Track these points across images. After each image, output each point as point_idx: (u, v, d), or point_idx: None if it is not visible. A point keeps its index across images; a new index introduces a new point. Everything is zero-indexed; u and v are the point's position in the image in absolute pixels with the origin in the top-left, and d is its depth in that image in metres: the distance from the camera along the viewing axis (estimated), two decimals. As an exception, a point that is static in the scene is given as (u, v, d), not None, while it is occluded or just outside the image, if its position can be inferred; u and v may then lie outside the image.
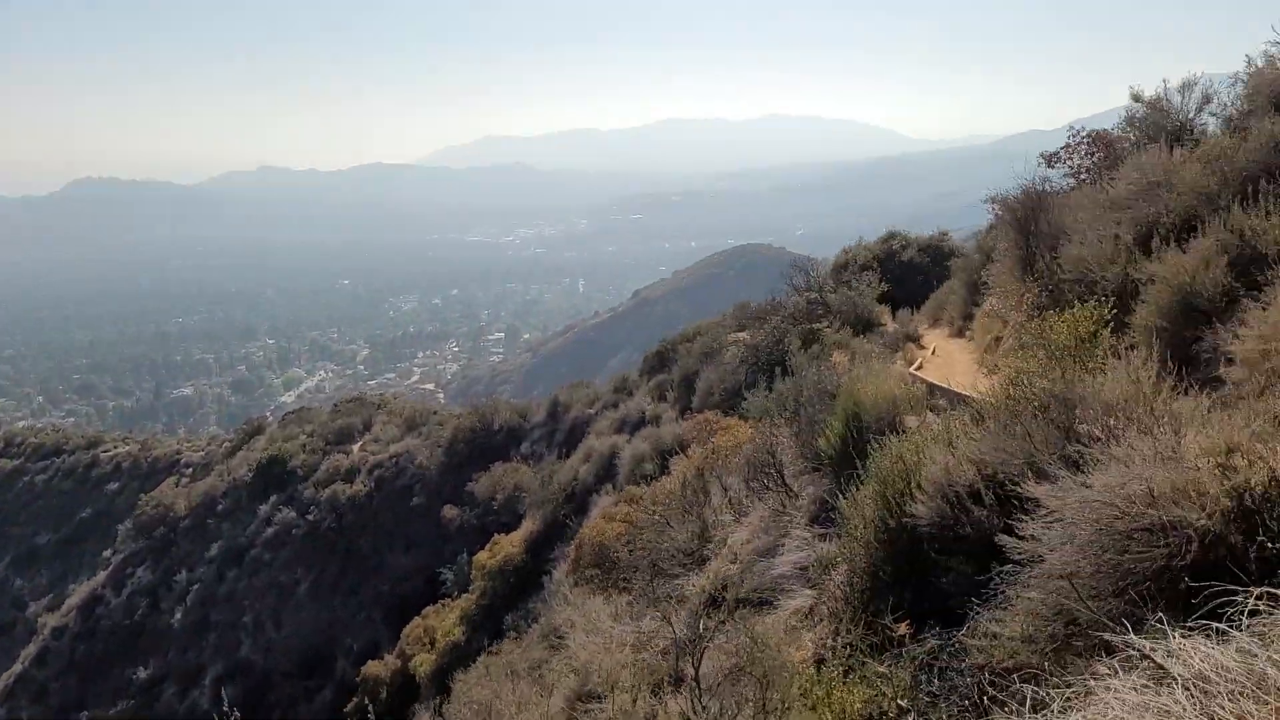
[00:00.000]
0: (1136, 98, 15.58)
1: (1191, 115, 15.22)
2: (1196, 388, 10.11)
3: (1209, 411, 7.11)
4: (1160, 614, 5.24)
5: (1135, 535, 6.12)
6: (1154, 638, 3.88)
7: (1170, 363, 11.21)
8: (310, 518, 36.37)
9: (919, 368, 17.29)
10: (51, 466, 58.28)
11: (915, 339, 22.05)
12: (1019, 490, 7.54)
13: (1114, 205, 13.94)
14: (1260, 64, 13.77)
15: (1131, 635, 4.23)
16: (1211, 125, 14.78)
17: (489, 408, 39.87)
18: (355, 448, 40.81)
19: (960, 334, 19.69)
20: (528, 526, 26.73)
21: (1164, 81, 14.69)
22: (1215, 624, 3.81)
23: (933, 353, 19.31)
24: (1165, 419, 6.96)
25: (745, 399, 22.33)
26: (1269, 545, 5.51)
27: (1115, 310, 12.77)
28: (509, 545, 25.56)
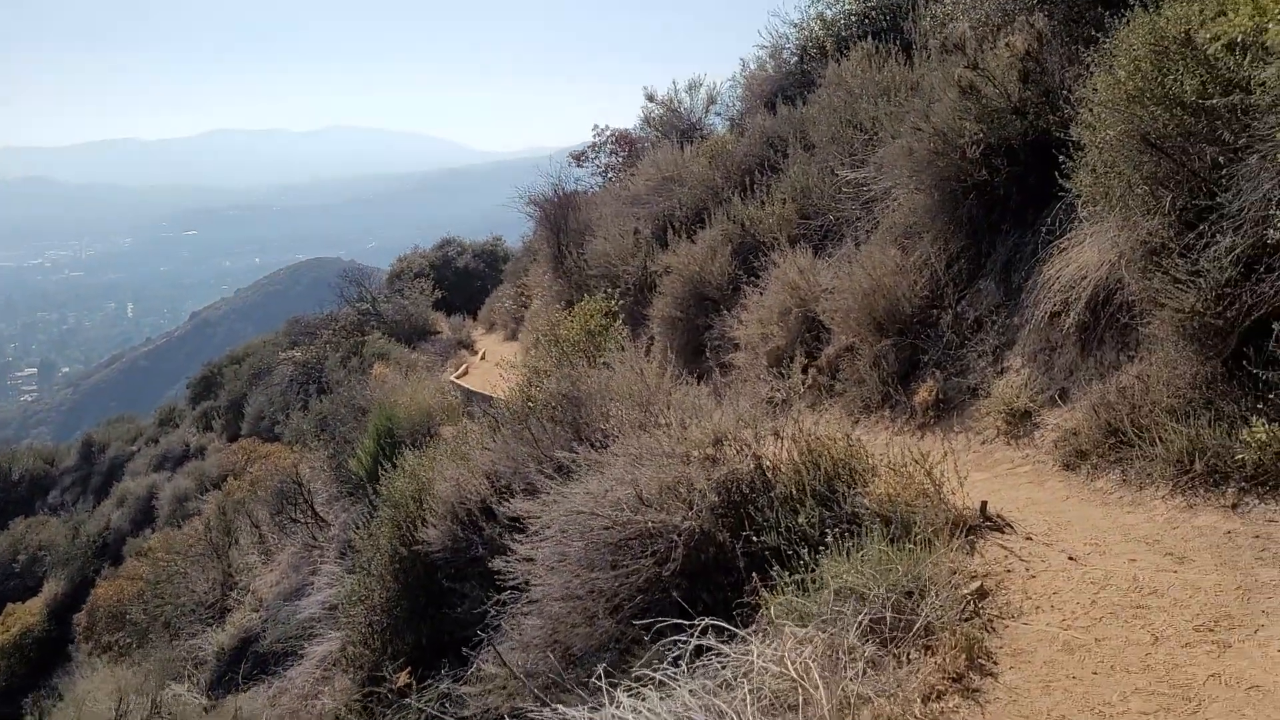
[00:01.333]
0: (650, 98, 15.83)
1: (701, 114, 15.84)
2: (708, 375, 9.88)
3: (708, 399, 6.42)
4: (627, 654, 4.34)
5: (627, 545, 5.04)
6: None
7: (683, 352, 11.10)
8: None
9: (462, 375, 15.99)
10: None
11: (468, 345, 21.02)
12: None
13: (634, 201, 13.72)
14: (752, 67, 14.52)
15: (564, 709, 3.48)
16: (718, 123, 15.50)
17: (4, 456, 35.56)
18: None
19: (514, 337, 18.94)
20: (50, 589, 23.91)
21: (674, 83, 14.88)
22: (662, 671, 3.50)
23: (482, 357, 18.30)
24: (669, 411, 6.09)
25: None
26: (754, 539, 4.76)
27: (635, 302, 12.57)
28: (27, 614, 22.65)
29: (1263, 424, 4.15)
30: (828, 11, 12.82)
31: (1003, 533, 4.42)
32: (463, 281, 29.41)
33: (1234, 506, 4.21)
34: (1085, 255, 5.69)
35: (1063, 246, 6.09)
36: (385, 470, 9.45)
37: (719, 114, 15.57)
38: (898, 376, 7.12)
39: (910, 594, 3.85)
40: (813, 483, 4.87)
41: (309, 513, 14.41)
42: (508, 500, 6.51)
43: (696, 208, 12.55)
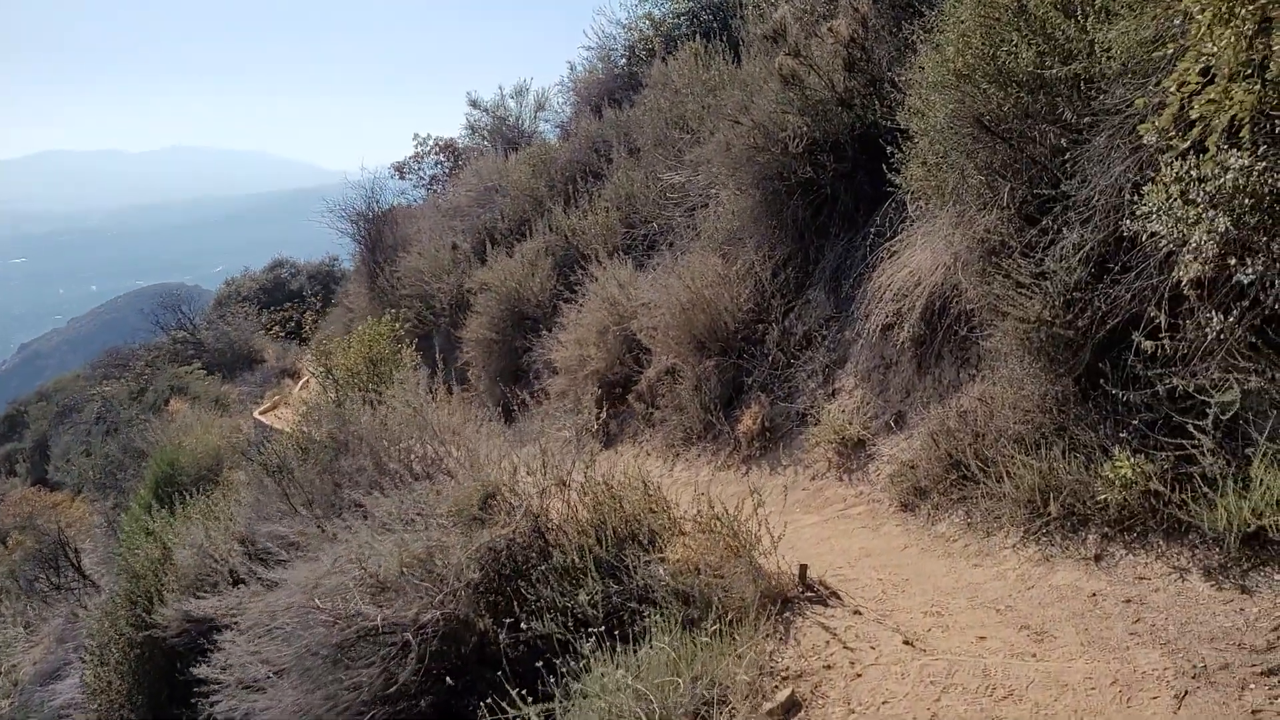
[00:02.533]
0: (475, 104, 14.62)
1: (530, 121, 14.76)
2: (525, 405, 8.73)
3: (500, 440, 5.28)
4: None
5: (352, 647, 3.81)
6: None
7: (500, 378, 9.90)
8: None
9: (269, 409, 14.16)
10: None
11: (293, 373, 19.03)
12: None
13: (454, 213, 12.46)
14: (584, 70, 13.60)
15: None
16: (549, 130, 14.46)
17: None
18: None
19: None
20: None
21: (500, 88, 13.73)
22: None
23: (301, 387, 16.43)
24: (452, 458, 4.91)
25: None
26: (525, 626, 3.64)
27: (451, 324, 11.29)
28: None
29: (1126, 456, 3.38)
30: (656, 11, 12.04)
31: (827, 605, 3.47)
32: (297, 302, 27.32)
33: (1097, 558, 3.42)
34: (918, 259, 4.92)
35: (894, 250, 5.32)
36: (123, 533, 7.78)
37: (548, 121, 14.54)
38: (721, 402, 6.20)
39: (702, 710, 2.81)
40: (598, 551, 3.79)
41: (79, 575, 12.32)
42: (258, 569, 5.15)
43: (519, 219, 11.43)
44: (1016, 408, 4.06)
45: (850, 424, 5.13)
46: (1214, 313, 3.18)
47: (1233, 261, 3.09)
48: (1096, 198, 3.70)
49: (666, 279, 6.72)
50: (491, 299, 9.39)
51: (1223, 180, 2.98)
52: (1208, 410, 3.20)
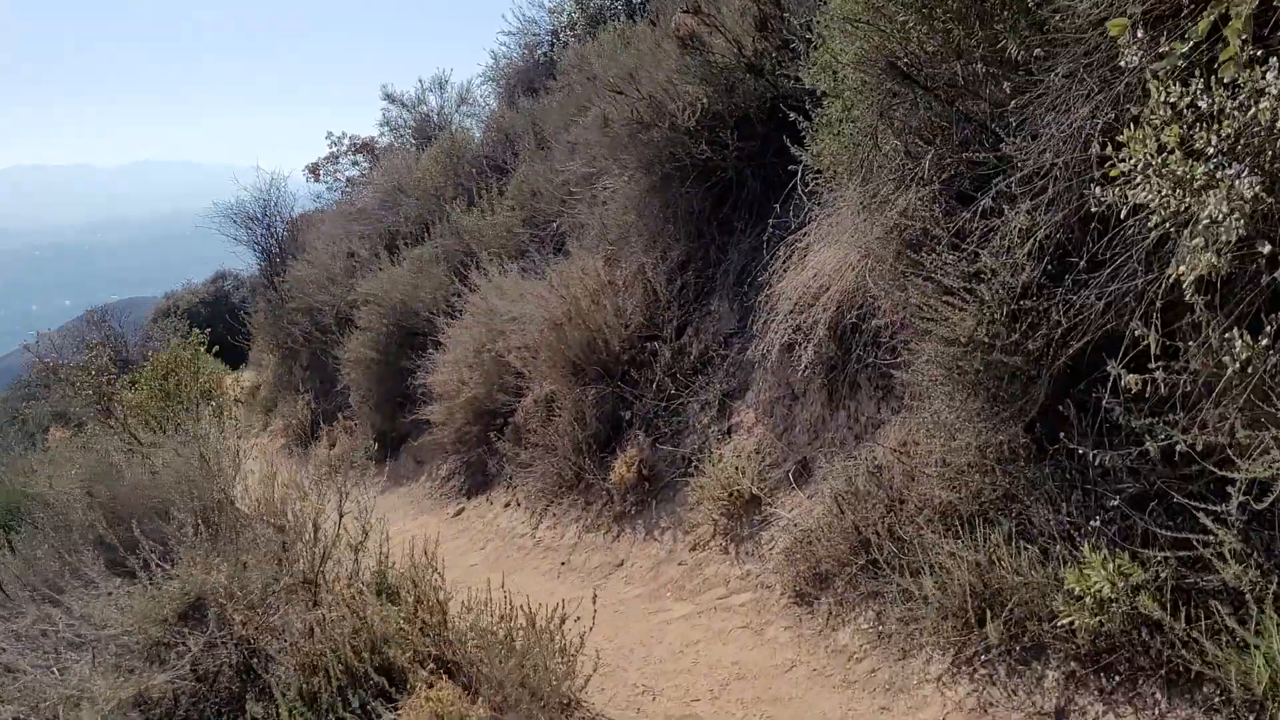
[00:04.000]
0: (390, 98, 13.34)
1: (452, 115, 13.50)
2: (405, 440, 7.46)
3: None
4: None
5: None
6: None
7: (382, 406, 8.60)
8: None
9: None
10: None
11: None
12: None
13: (357, 216, 11.13)
14: (503, 60, 12.37)
15: None
16: (473, 125, 13.20)
17: None
18: None
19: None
20: None
21: (419, 80, 12.34)
22: None
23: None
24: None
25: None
26: None
27: (333, 343, 9.98)
28: None
29: (1100, 557, 2.16)
30: (582, -12, 10.82)
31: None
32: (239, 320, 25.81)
33: (1058, 714, 2.19)
34: (821, 257, 3.70)
35: (800, 246, 4.09)
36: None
37: (474, 116, 13.27)
38: (597, 442, 4.95)
39: None
40: (326, 695, 2.52)
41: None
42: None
43: (423, 221, 10.16)
44: (946, 465, 2.84)
45: (743, 475, 3.89)
46: (1235, 330, 1.97)
47: (1265, 249, 1.89)
48: (1052, 159, 2.48)
49: (537, 288, 5.46)
50: (374, 313, 8.09)
51: (1254, 110, 1.78)
52: (1229, 486, 1.99)
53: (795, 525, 3.51)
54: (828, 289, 3.65)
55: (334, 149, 14.20)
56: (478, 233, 8.54)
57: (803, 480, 3.72)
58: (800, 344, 3.82)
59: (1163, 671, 2.08)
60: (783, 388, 4.11)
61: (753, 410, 4.28)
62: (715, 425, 4.40)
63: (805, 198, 4.34)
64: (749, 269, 4.92)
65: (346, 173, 14.43)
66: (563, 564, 4.48)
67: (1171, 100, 1.87)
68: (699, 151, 4.98)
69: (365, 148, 14.29)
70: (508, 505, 5.51)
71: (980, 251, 2.70)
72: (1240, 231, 1.84)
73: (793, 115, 4.07)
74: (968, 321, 2.63)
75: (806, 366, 3.73)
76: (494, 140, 10.37)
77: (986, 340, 2.61)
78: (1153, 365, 2.03)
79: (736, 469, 3.94)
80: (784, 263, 4.12)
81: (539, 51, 11.39)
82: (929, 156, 3.02)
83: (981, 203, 2.80)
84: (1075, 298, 2.40)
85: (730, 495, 3.88)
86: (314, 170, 14.23)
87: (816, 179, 4.04)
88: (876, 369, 3.55)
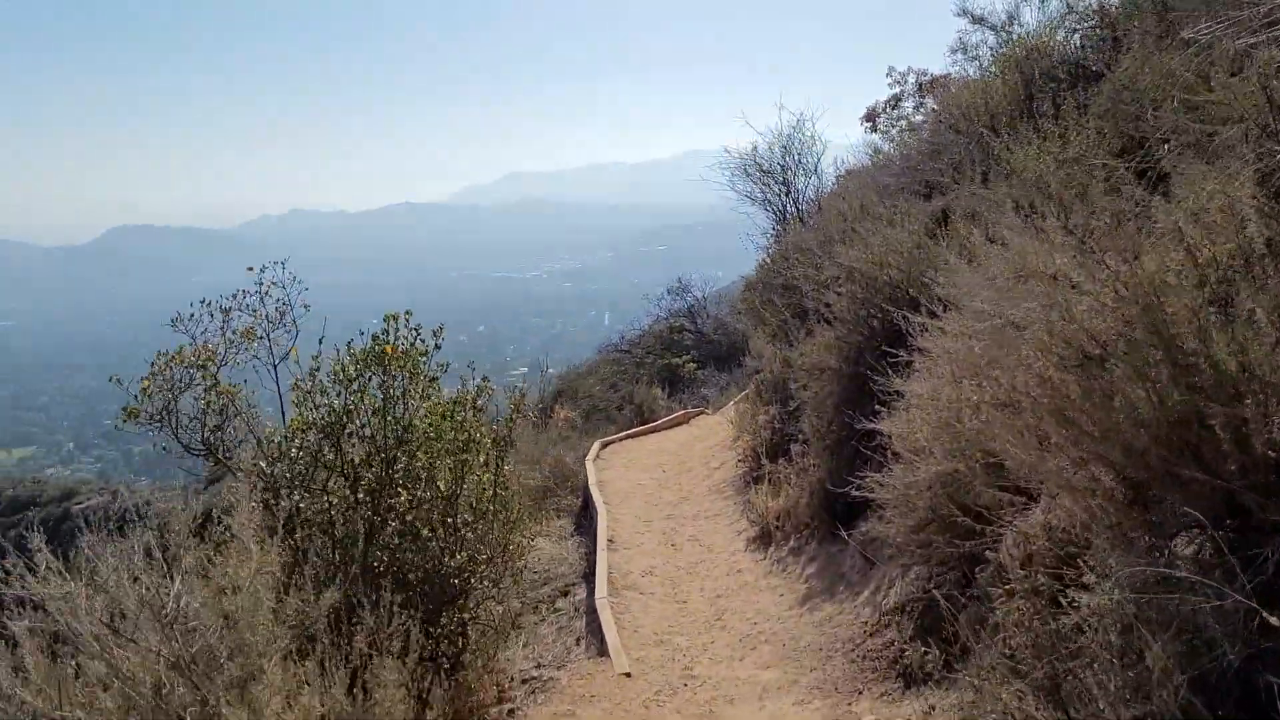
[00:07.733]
0: (967, 13, 10.28)
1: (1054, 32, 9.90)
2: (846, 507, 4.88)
3: None
4: None
5: None
6: None
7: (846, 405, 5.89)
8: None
9: (627, 437, 11.73)
10: (24, 520, 56.07)
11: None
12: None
13: (889, 165, 8.72)
14: None
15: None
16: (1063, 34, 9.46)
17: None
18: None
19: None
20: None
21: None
22: None
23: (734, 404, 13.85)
24: None
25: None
26: None
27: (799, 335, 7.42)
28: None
29: None
30: None
31: None
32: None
33: None
34: None
35: None
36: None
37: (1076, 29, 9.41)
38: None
39: None
40: None
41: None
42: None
43: (970, 163, 7.15)
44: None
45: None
46: None
47: None
48: None
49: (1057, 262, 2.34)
50: (849, 298, 5.53)
51: None
52: None
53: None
54: None
55: (898, 88, 11.68)
56: (1038, 176, 5.33)
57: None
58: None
59: None
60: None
61: None
62: None
63: None
64: None
65: (915, 118, 11.83)
66: None
67: None
68: None
69: (936, 84, 11.49)
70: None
71: None
72: None
73: None
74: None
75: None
76: (1091, 39, 6.80)
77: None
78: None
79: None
80: None
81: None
82: None
83: None
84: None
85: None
86: (871, 117, 11.92)
87: None
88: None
